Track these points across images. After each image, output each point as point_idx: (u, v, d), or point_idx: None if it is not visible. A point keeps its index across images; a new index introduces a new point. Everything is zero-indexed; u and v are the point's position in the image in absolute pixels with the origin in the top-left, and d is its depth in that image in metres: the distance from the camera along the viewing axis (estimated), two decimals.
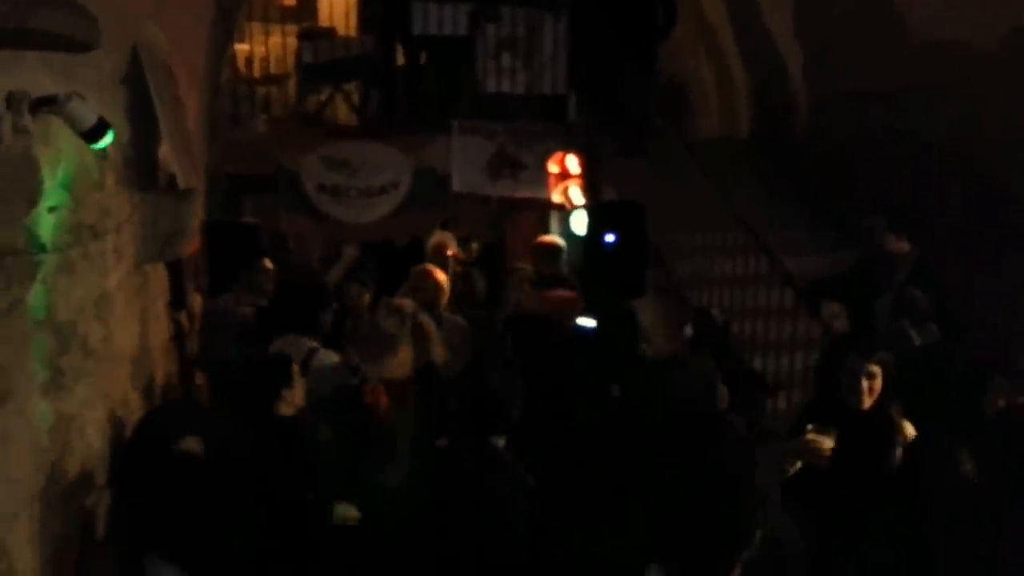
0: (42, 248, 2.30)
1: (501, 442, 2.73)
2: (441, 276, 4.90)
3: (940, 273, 4.68)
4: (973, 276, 4.68)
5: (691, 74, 8.56)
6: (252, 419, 3.07)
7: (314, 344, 4.00)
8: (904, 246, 4.57)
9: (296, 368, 3.35)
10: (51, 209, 2.40)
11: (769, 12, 7.26)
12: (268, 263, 5.39)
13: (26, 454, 2.12)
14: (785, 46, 7.26)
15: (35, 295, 2.26)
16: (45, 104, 2.16)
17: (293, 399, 3.24)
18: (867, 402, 3.01)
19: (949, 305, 4.71)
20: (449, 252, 7.19)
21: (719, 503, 1.89)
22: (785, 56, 7.30)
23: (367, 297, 5.28)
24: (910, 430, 3.11)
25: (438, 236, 7.32)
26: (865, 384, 3.00)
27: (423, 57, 7.59)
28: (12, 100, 2.10)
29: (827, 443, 2.96)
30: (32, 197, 2.22)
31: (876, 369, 3.02)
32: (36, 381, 2.23)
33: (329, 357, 3.93)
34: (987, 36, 5.16)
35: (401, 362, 3.39)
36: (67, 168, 2.57)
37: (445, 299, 4.85)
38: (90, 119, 2.24)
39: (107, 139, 2.32)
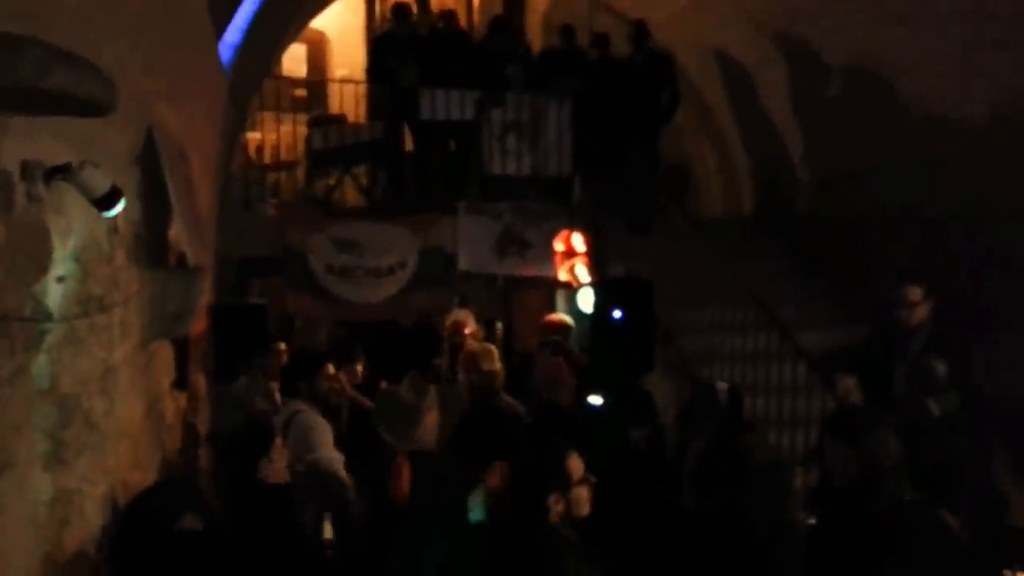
0: (49, 317, 2.28)
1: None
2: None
3: (957, 342, 4.60)
4: (988, 344, 4.60)
5: (694, 155, 8.72)
6: (240, 489, 3.07)
7: (302, 407, 4.02)
8: (924, 310, 4.49)
9: (277, 439, 3.38)
10: (60, 279, 2.39)
11: (766, 95, 7.45)
12: (282, 346, 5.41)
13: (23, 528, 2.04)
14: (784, 127, 7.42)
15: (39, 365, 2.23)
16: (59, 172, 2.19)
17: (272, 467, 3.24)
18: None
19: (966, 374, 4.63)
20: (467, 330, 7.19)
21: None
22: (784, 136, 7.45)
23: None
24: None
25: (457, 314, 7.33)
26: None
27: (430, 140, 7.77)
28: (26, 169, 2.13)
29: None
30: (41, 265, 2.22)
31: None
32: (37, 453, 2.18)
33: (312, 418, 3.95)
34: (978, 108, 5.26)
35: (427, 432, 3.33)
36: (78, 239, 2.58)
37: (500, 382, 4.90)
38: (103, 187, 2.26)
39: (119, 207, 2.34)
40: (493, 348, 4.99)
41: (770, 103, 7.46)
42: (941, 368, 4.20)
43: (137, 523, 2.44)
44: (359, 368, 5.51)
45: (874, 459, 3.13)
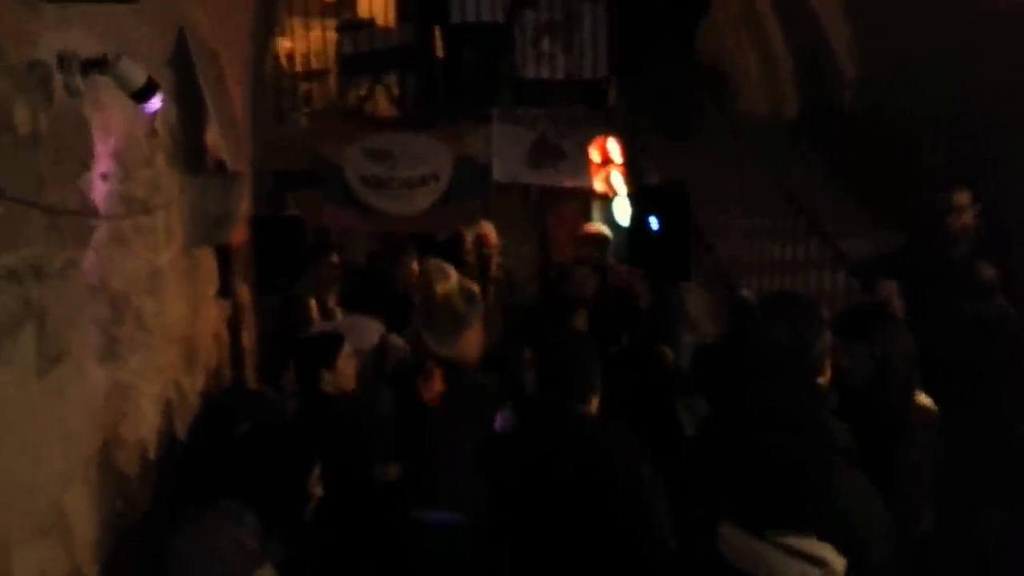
0: (94, 213, 2.28)
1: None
2: None
3: (1004, 246, 4.45)
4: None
5: (733, 55, 8.39)
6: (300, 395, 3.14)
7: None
8: (970, 215, 4.34)
9: (347, 350, 3.43)
10: (103, 176, 2.39)
11: None
12: (335, 257, 5.45)
13: (82, 415, 2.10)
14: (830, 23, 7.08)
15: (88, 260, 2.25)
16: (95, 65, 2.15)
17: (335, 380, 3.29)
18: None
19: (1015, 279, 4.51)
20: (493, 243, 7.16)
21: None
22: (830, 33, 7.11)
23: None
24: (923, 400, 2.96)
25: (481, 227, 7.27)
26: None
27: (461, 45, 7.57)
28: (63, 61, 2.09)
29: None
30: (85, 159, 2.21)
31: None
32: (91, 345, 2.22)
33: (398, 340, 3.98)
34: None
35: (472, 343, 3.29)
36: (117, 138, 2.57)
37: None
38: (139, 79, 2.23)
39: (157, 100, 2.30)
40: (448, 267, 4.67)
41: None
42: (987, 272, 4.08)
43: (200, 433, 2.51)
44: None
45: (885, 356, 3.03)
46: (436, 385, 3.20)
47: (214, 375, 4.00)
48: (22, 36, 1.91)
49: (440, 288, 4.30)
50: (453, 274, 4.58)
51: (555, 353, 2.61)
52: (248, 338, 5.09)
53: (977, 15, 5.51)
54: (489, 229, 7.31)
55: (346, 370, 3.46)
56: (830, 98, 7.28)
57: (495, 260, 7.11)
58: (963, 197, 4.22)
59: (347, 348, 3.58)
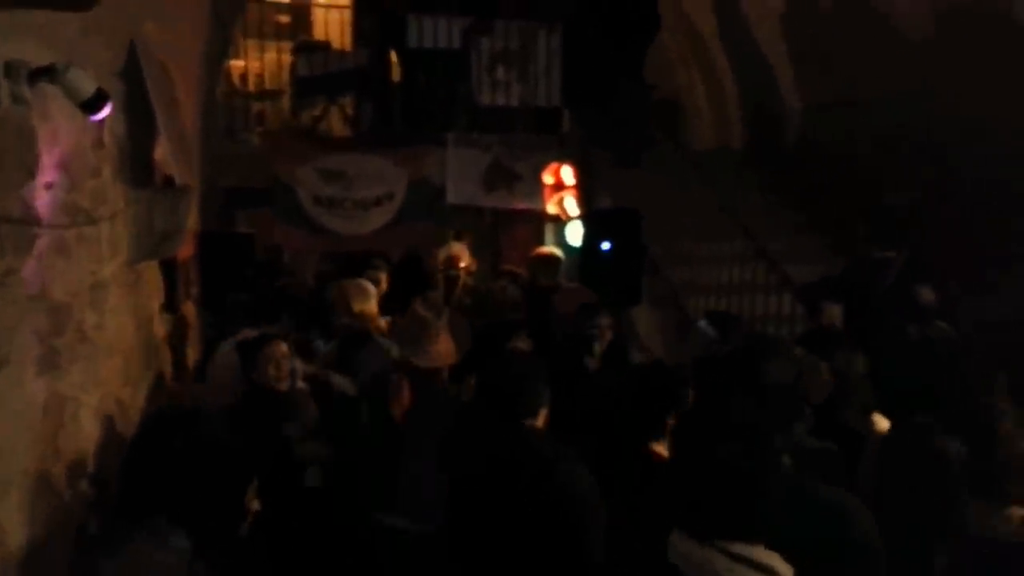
0: (37, 222, 2.26)
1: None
2: None
3: (937, 271, 4.65)
4: (978, 272, 4.67)
5: (684, 87, 8.62)
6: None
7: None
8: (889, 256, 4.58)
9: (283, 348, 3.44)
10: (48, 185, 2.36)
11: (757, 24, 7.34)
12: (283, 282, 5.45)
13: (20, 426, 2.06)
14: (774, 57, 7.33)
15: (29, 269, 2.22)
16: (44, 74, 2.14)
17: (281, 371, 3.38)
18: None
19: (952, 303, 4.69)
20: (462, 264, 7.18)
21: None
22: (775, 67, 7.37)
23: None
24: (882, 424, 3.08)
25: (451, 248, 7.29)
26: None
27: (418, 70, 7.65)
28: (11, 69, 2.08)
29: None
30: (29, 168, 2.19)
31: None
32: (30, 355, 2.18)
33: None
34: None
35: (442, 351, 3.38)
36: (63, 148, 2.54)
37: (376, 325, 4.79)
38: (89, 90, 2.22)
39: (106, 110, 2.29)
40: (369, 286, 4.64)
41: (761, 33, 7.36)
42: (928, 296, 4.25)
43: (138, 447, 2.46)
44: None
45: (843, 374, 3.20)
46: (404, 400, 3.26)
47: (155, 390, 3.93)
48: None
49: (358, 307, 4.36)
50: (372, 292, 4.60)
51: (500, 373, 2.66)
52: (192, 353, 5.01)
53: (914, 50, 5.78)
54: (459, 250, 7.35)
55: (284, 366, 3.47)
56: (775, 130, 7.52)
57: (463, 280, 7.13)
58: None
59: (283, 347, 3.60)
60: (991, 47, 5.18)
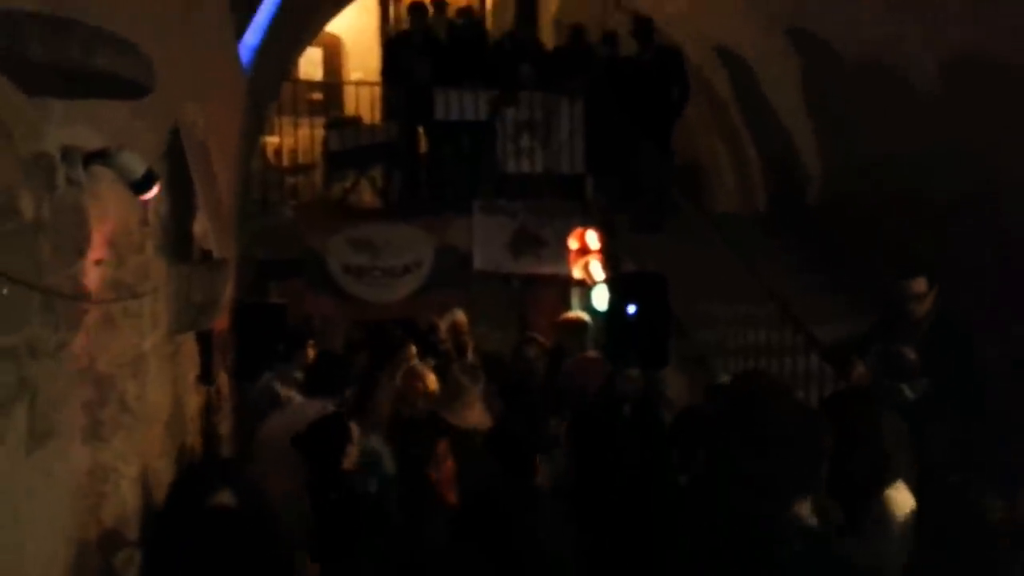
0: (87, 298, 2.37)
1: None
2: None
3: (966, 328, 4.62)
4: (1004, 331, 4.64)
5: (705, 152, 8.77)
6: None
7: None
8: (930, 300, 4.54)
9: (354, 427, 3.48)
10: (97, 262, 2.49)
11: (774, 89, 7.50)
12: (312, 348, 5.54)
13: (66, 496, 2.13)
14: (792, 120, 7.47)
15: (79, 343, 2.32)
16: (98, 157, 2.28)
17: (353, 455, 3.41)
18: None
19: (979, 360, 4.65)
20: (466, 329, 7.24)
21: None
22: (793, 130, 7.49)
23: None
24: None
25: (455, 315, 7.37)
26: None
27: (444, 141, 7.87)
28: (67, 153, 2.22)
29: None
30: (81, 247, 2.31)
31: None
32: (77, 426, 2.27)
33: None
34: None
35: (476, 416, 3.52)
36: (111, 226, 2.68)
37: None
38: (139, 171, 2.35)
39: (155, 189, 2.43)
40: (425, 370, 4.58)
41: (777, 98, 7.51)
42: (910, 355, 4.25)
43: (173, 502, 2.52)
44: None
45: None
46: (447, 471, 3.33)
47: (190, 460, 3.99)
48: (31, 129, 2.04)
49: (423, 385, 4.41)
50: (431, 378, 4.64)
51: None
52: (224, 425, 5.08)
53: (926, 105, 5.87)
54: (461, 317, 7.41)
55: (353, 453, 3.54)
56: (797, 192, 7.60)
57: (470, 346, 7.19)
58: (920, 284, 4.41)
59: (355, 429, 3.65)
60: (999, 97, 5.25)
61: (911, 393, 4.12)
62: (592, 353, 5.83)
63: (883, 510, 2.92)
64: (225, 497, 2.54)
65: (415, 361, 4.85)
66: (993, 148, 5.35)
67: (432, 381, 4.38)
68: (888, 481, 2.97)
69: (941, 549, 2.74)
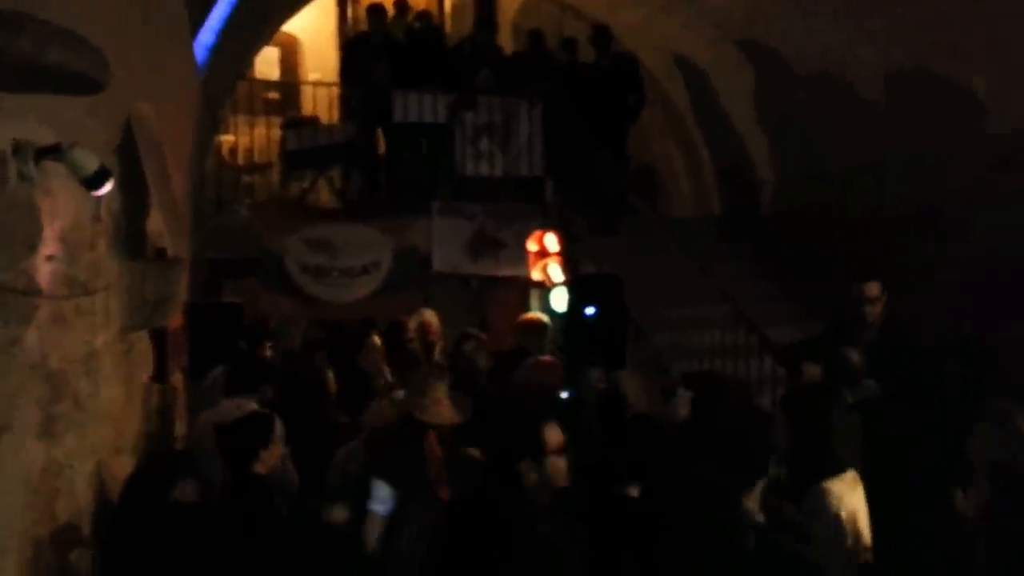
0: (39, 293, 2.34)
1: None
2: None
3: (909, 333, 4.78)
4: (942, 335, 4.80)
5: (661, 157, 8.91)
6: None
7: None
8: (881, 305, 4.69)
9: (277, 428, 3.41)
10: (49, 258, 2.46)
11: (729, 98, 7.66)
12: (267, 349, 5.50)
13: (19, 491, 2.10)
14: (746, 129, 7.63)
15: (31, 339, 2.29)
16: (49, 152, 2.26)
17: (270, 459, 3.30)
18: None
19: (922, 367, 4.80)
20: (434, 330, 7.24)
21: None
22: (747, 138, 7.66)
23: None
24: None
25: (423, 315, 7.35)
26: None
27: (403, 143, 7.86)
28: (18, 148, 2.19)
29: None
30: (33, 242, 2.29)
31: None
32: (30, 422, 2.24)
33: None
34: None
35: (446, 409, 3.42)
36: (63, 223, 2.65)
37: None
38: (92, 167, 2.34)
39: (108, 186, 2.41)
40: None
41: (732, 106, 7.67)
42: (855, 358, 4.39)
43: (134, 495, 2.49)
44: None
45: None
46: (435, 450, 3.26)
47: (143, 459, 3.93)
48: None
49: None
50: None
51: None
52: (179, 425, 5.02)
53: (873, 117, 6.06)
54: (431, 317, 7.39)
55: (275, 454, 3.44)
56: (750, 199, 7.76)
57: (438, 346, 7.19)
58: (873, 288, 4.55)
59: (279, 426, 3.58)
60: (944, 113, 5.45)
61: (851, 398, 4.25)
62: (547, 356, 5.89)
63: (819, 500, 3.02)
64: (188, 489, 2.52)
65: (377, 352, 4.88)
66: (937, 159, 5.54)
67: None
68: (829, 473, 3.07)
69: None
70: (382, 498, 3.24)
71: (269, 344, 5.78)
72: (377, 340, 5.51)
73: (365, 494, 3.29)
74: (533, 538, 2.49)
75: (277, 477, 3.62)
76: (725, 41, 7.23)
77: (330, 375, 5.35)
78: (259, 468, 3.26)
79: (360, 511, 3.30)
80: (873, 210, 6.16)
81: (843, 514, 3.04)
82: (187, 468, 2.64)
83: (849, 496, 3.07)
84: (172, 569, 2.25)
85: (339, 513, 3.30)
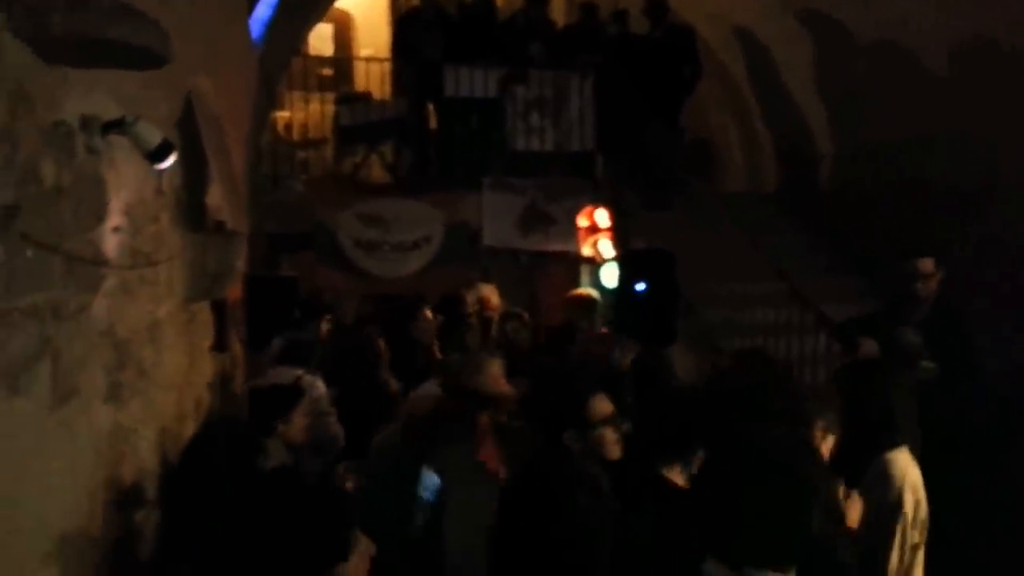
0: (106, 263, 2.43)
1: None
2: None
3: (957, 313, 4.63)
4: (993, 319, 4.66)
5: (716, 130, 8.75)
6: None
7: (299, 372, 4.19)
8: (935, 281, 4.55)
9: (317, 391, 3.48)
10: (115, 229, 2.54)
11: (788, 70, 7.47)
12: (324, 322, 5.63)
13: (89, 453, 2.20)
14: (805, 102, 7.44)
15: (97, 307, 2.38)
16: (115, 126, 2.33)
17: (287, 432, 3.35)
18: None
19: (973, 347, 4.66)
20: (493, 305, 7.29)
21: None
22: (805, 111, 7.47)
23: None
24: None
25: (481, 289, 7.40)
26: None
27: (455, 118, 7.87)
28: (86, 122, 2.27)
29: None
30: (100, 214, 2.37)
31: None
32: (98, 387, 2.34)
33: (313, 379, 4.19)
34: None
35: (502, 381, 3.39)
36: (128, 195, 2.73)
37: None
38: (155, 140, 2.40)
39: (171, 159, 2.47)
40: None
41: (791, 79, 7.49)
42: (911, 337, 4.27)
43: (194, 459, 2.57)
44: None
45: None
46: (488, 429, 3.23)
47: (203, 424, 4.07)
48: (51, 98, 2.09)
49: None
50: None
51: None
52: (239, 393, 5.16)
53: (938, 90, 5.86)
54: (490, 292, 7.46)
55: (300, 422, 3.48)
56: (808, 173, 7.59)
57: (496, 323, 7.24)
58: (927, 264, 4.42)
59: (306, 399, 3.63)
60: (1008, 87, 5.23)
61: (909, 379, 4.14)
62: (603, 330, 5.89)
63: (883, 469, 2.98)
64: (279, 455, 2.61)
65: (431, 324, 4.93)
66: (998, 135, 5.34)
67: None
68: (891, 444, 3.03)
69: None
70: (429, 486, 3.19)
71: (327, 317, 5.89)
72: (429, 314, 5.57)
73: (403, 479, 3.24)
74: (572, 509, 2.51)
75: (312, 439, 3.71)
76: (784, 11, 7.04)
77: (381, 343, 5.44)
78: (291, 434, 3.35)
79: (400, 496, 3.24)
80: (932, 186, 5.98)
81: (906, 484, 2.99)
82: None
83: (912, 468, 3.02)
84: (228, 530, 2.33)
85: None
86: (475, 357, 3.51)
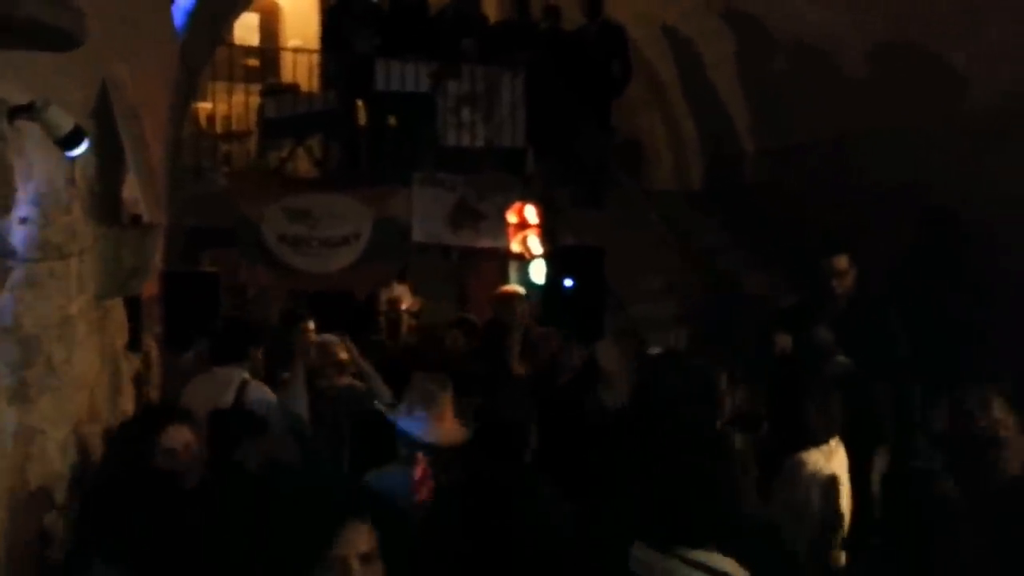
0: (12, 255, 2.31)
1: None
2: None
3: (875, 307, 4.83)
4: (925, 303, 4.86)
5: (645, 129, 8.88)
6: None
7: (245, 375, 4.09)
8: (851, 278, 4.73)
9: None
10: (22, 220, 2.42)
11: (713, 69, 7.64)
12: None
13: None
14: (730, 101, 7.62)
15: (2, 301, 2.26)
16: (23, 111, 2.21)
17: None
18: None
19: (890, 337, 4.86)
20: (404, 306, 7.24)
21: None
22: (731, 110, 7.65)
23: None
24: None
25: (393, 290, 7.35)
26: None
27: (384, 112, 7.78)
28: None
29: None
30: (5, 203, 2.25)
31: None
32: (2, 385, 2.22)
33: (260, 389, 4.07)
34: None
35: (451, 426, 3.17)
36: (38, 184, 2.60)
37: None
38: (67, 126, 2.29)
39: (83, 146, 2.36)
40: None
41: (717, 78, 7.65)
42: (823, 334, 4.44)
43: (112, 461, 2.47)
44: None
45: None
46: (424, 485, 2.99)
47: (118, 426, 3.91)
48: None
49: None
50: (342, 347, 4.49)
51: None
52: (154, 394, 4.98)
53: (863, 98, 6.08)
54: (401, 292, 7.40)
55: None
56: (732, 170, 7.78)
57: (406, 323, 7.18)
58: (842, 261, 4.58)
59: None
60: (924, 87, 5.47)
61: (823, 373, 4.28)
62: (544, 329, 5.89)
63: (792, 470, 3.07)
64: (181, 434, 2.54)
65: (313, 335, 4.74)
66: (915, 134, 5.58)
67: (343, 350, 4.30)
68: (804, 443, 3.12)
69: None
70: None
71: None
72: (310, 324, 5.19)
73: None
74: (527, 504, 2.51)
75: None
76: (709, 11, 7.20)
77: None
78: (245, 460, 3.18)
79: None
80: (851, 183, 6.21)
81: (817, 484, 3.09)
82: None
83: (826, 464, 3.11)
84: (147, 534, 2.24)
85: None
86: (422, 394, 3.20)
